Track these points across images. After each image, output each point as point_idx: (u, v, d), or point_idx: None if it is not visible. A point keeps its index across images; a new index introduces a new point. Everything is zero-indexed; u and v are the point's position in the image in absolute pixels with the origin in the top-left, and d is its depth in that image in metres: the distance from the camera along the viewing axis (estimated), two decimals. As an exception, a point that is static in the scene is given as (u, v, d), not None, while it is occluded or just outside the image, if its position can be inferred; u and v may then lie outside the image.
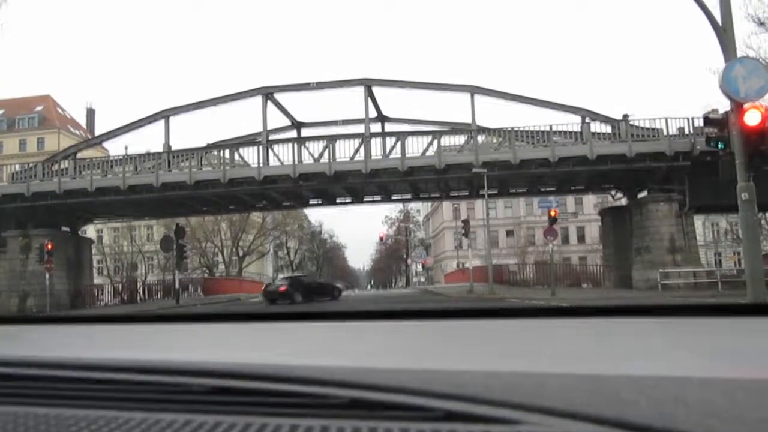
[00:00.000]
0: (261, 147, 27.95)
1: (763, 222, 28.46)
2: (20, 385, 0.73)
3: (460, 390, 0.60)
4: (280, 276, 41.68)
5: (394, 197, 34.50)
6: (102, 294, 34.59)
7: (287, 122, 31.28)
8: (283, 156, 28.14)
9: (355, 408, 0.60)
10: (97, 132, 48.07)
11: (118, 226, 50.00)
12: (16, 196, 27.66)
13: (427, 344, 1.04)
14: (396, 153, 27.07)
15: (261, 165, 27.77)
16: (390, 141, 27.63)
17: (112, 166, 29.11)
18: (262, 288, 29.03)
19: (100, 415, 0.62)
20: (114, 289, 36.44)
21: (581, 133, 26.25)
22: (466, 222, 29.62)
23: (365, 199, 32.51)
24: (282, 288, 25.54)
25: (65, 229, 30.26)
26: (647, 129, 25.71)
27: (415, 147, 27.21)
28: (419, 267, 77.20)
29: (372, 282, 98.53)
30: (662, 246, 24.84)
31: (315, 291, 26.75)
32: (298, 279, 28.33)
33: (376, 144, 27.51)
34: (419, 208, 79.76)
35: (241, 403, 0.63)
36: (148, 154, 29.19)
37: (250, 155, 28.49)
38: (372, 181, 27.78)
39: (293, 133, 31.19)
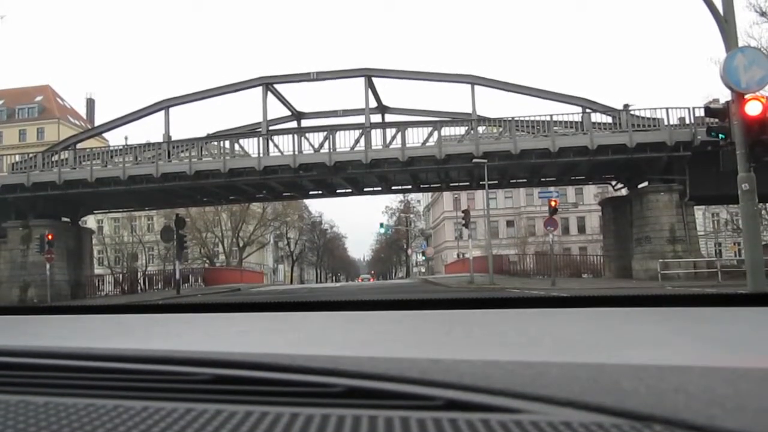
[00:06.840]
0: (261, 137, 27.90)
1: (763, 212, 28.43)
2: (21, 375, 0.74)
3: (460, 379, 0.60)
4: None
5: (394, 188, 34.39)
6: (103, 284, 34.71)
7: (287, 113, 31.21)
8: (284, 146, 28.09)
9: (355, 397, 0.60)
10: (97, 122, 48.01)
11: (118, 217, 49.99)
12: (16, 187, 27.61)
13: (427, 334, 1.04)
14: (396, 143, 26.98)
15: (261, 155, 27.70)
16: (390, 131, 27.57)
17: (112, 157, 29.03)
18: None
19: (101, 404, 0.62)
20: (114, 280, 36.55)
21: (582, 122, 26.19)
22: (466, 212, 29.51)
23: (365, 190, 32.46)
24: None
25: (65, 219, 30.20)
26: (648, 119, 25.62)
27: (416, 137, 27.14)
28: (420, 257, 77.26)
29: (371, 273, 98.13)
30: (662, 236, 24.82)
31: None
32: None
33: (376, 134, 27.42)
34: (420, 199, 79.70)
35: (242, 392, 0.63)
36: (148, 144, 29.09)
37: (251, 146, 28.48)
38: (372, 172, 27.70)
39: (293, 124, 31.13)
